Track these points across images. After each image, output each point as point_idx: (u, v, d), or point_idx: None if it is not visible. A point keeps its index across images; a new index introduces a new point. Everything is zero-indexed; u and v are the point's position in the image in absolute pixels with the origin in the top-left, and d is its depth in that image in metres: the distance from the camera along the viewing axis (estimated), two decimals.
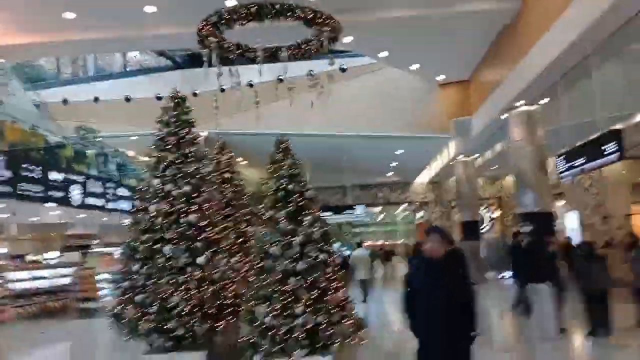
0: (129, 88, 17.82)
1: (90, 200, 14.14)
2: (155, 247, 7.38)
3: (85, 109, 17.64)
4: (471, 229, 19.21)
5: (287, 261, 6.63)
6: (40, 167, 12.01)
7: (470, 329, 4.64)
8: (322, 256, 6.71)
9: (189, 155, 7.90)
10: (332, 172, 21.20)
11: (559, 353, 8.61)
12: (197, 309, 7.14)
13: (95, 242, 21.58)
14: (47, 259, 21.48)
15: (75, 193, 13.48)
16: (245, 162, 18.08)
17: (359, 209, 20.11)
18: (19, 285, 15.89)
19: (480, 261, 18.44)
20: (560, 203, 19.01)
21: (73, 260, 18.93)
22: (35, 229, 18.91)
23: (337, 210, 20.02)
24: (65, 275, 17.33)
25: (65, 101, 18.19)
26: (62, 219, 16.60)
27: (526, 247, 9.79)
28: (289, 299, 6.45)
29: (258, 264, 6.88)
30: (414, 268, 5.16)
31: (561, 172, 11.61)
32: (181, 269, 7.29)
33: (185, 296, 7.09)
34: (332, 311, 6.49)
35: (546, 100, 12.16)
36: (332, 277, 6.73)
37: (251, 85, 16.55)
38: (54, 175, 12.63)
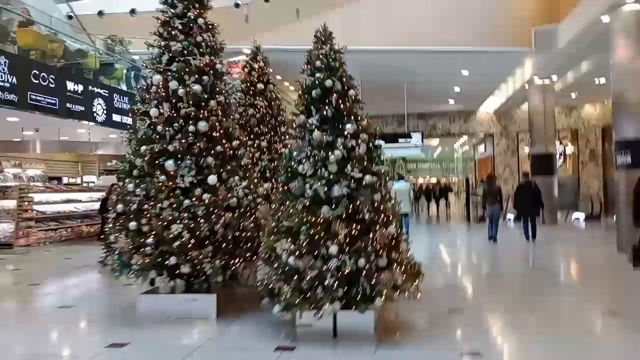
0: None
1: (117, 118, 12.71)
2: (155, 162, 5.77)
3: (120, 22, 16.08)
4: (545, 163, 16.81)
5: (320, 183, 4.86)
6: (53, 75, 10.54)
7: None
8: (367, 178, 4.89)
9: (202, 44, 6.10)
10: (386, 98, 19.02)
11: None
12: (206, 242, 5.58)
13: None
14: (85, 182, 20.91)
15: (100, 108, 12.06)
16: (292, 87, 16.22)
17: (416, 137, 17.92)
18: (50, 208, 15.08)
19: (553, 200, 16.17)
20: None
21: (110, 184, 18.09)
22: (63, 148, 17.91)
23: (391, 138, 17.89)
24: (99, 200, 16.47)
25: (100, 13, 16.65)
26: (91, 138, 15.40)
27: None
28: (321, 234, 4.75)
29: (282, 186, 5.16)
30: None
31: None
32: (187, 190, 5.68)
33: (191, 225, 5.51)
34: (378, 253, 4.74)
35: None
36: (381, 208, 4.91)
37: None
38: (72, 86, 11.19)
